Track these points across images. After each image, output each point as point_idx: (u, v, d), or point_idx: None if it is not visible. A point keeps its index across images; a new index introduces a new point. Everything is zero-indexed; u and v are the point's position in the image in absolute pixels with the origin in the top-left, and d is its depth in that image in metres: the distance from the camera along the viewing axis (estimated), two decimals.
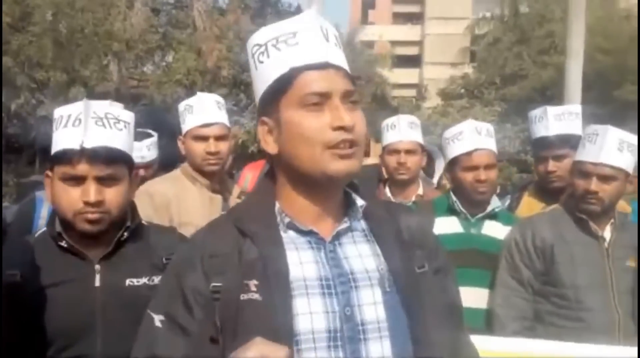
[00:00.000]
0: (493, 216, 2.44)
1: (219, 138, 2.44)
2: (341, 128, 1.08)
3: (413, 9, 35.60)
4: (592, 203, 2.17)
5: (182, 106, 2.56)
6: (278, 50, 1.13)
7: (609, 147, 2.11)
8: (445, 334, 1.14)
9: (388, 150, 2.86)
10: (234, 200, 2.50)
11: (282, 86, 1.12)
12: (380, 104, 22.81)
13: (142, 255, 1.60)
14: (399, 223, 1.20)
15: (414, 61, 33.87)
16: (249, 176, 3.09)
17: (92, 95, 11.33)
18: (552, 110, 2.65)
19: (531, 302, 2.25)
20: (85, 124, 1.50)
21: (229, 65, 15.02)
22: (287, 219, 1.14)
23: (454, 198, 2.45)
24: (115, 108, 1.61)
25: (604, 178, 2.14)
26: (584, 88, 10.51)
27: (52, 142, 1.56)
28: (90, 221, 1.52)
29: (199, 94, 2.64)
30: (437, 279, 1.19)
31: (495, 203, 2.44)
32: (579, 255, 2.18)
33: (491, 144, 2.42)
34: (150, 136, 3.18)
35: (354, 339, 1.07)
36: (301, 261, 1.10)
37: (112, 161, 1.52)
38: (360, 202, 1.18)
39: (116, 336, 1.46)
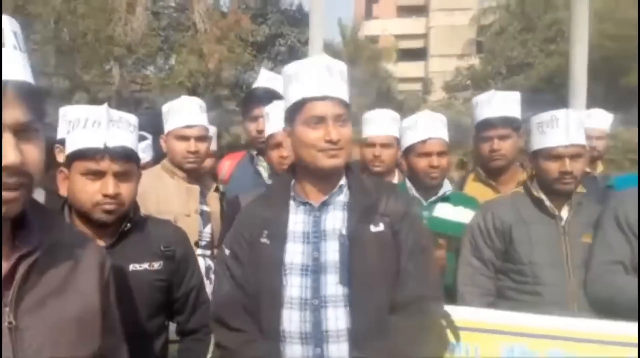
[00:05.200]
0: (445, 199, 2.63)
1: (199, 139, 2.67)
2: (329, 141, 1.67)
3: (417, 1, 35.35)
4: (568, 182, 2.32)
5: (166, 107, 2.75)
6: (298, 82, 1.70)
7: (575, 128, 2.31)
8: (375, 277, 1.66)
9: (365, 143, 3.00)
10: (211, 194, 2.76)
11: (297, 108, 1.70)
12: (385, 99, 22.72)
13: (143, 244, 1.83)
14: (376, 195, 1.74)
15: (419, 54, 33.68)
16: (227, 164, 3.24)
17: (95, 100, 11.36)
18: (499, 94, 2.86)
19: (493, 279, 2.41)
20: (107, 126, 1.73)
21: (230, 66, 15.01)
22: (292, 193, 1.78)
23: (409, 184, 2.64)
24: (124, 113, 1.84)
25: (575, 157, 2.31)
26: (590, 75, 10.33)
27: (68, 141, 1.77)
28: (107, 211, 1.73)
29: (182, 97, 2.82)
30: (395, 241, 1.70)
31: (446, 187, 2.63)
32: (536, 234, 2.33)
33: (443, 133, 2.61)
34: (144, 138, 3.37)
35: (317, 272, 1.68)
36: (296, 221, 1.74)
37: (129, 159, 1.76)
38: (342, 181, 1.76)
39: (121, 315, 1.55)
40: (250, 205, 1.88)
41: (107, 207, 1.72)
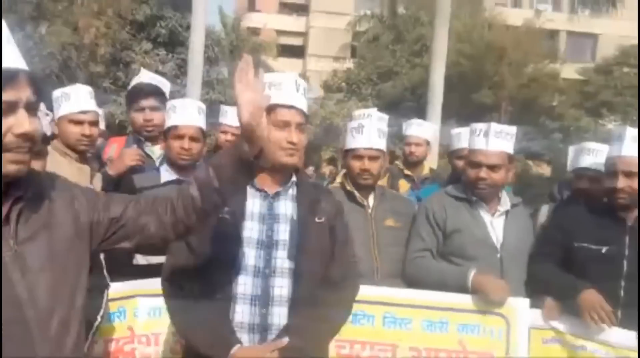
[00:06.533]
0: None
1: (92, 123, 3.00)
2: (290, 142, 2.02)
3: (299, 0, 36.19)
4: (366, 178, 2.87)
5: (57, 92, 3.00)
6: (271, 90, 1.95)
7: (376, 135, 2.89)
8: (317, 256, 2.06)
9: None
10: (97, 175, 3.04)
11: (268, 111, 1.89)
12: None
13: None
14: (317, 193, 2.18)
15: (298, 52, 34.47)
16: (114, 146, 3.51)
17: None
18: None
19: None
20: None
21: (106, 42, 14.57)
22: (253, 182, 2.05)
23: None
24: None
25: (373, 158, 2.87)
26: (446, 90, 11.46)
27: None
28: None
29: (77, 84, 3.13)
30: (331, 230, 2.11)
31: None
32: (350, 220, 2.62)
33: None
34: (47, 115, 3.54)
35: (269, 247, 2.03)
36: (254, 204, 2.07)
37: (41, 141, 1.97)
38: (293, 179, 2.13)
39: None
40: None
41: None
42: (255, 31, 28.17)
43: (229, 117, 4.08)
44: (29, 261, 1.33)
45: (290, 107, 2.05)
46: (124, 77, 14.41)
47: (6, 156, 1.29)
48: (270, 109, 2.01)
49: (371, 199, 2.91)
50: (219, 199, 1.56)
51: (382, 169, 2.96)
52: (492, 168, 2.75)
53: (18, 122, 1.28)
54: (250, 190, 2.09)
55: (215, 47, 17.48)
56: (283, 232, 2.06)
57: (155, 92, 3.37)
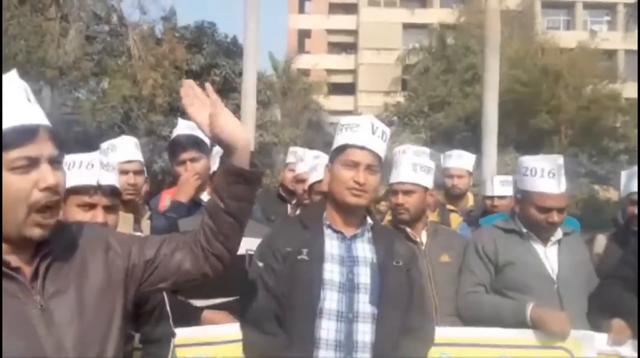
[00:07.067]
0: None
1: (137, 173, 3.08)
2: (357, 183, 2.02)
3: (347, 39, 36.78)
4: (401, 213, 2.80)
5: (105, 144, 3.11)
6: (346, 131, 2.09)
7: (409, 168, 2.83)
8: (398, 302, 2.04)
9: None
10: (145, 221, 3.09)
11: (339, 151, 2.07)
12: (316, 131, 23.40)
13: None
14: (391, 236, 2.21)
15: (349, 89, 34.88)
16: (168, 198, 3.54)
17: None
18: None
19: None
20: (99, 168, 2.12)
21: (164, 93, 15.16)
22: (327, 222, 2.10)
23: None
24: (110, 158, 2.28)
25: (408, 193, 2.79)
26: (502, 116, 11.21)
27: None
28: None
29: (122, 136, 3.25)
30: (408, 274, 2.10)
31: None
32: None
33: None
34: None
35: (351, 290, 2.00)
36: (332, 245, 2.06)
37: (115, 195, 2.15)
38: (369, 221, 2.13)
39: None
40: (282, 226, 2.30)
41: None
42: (305, 72, 28.77)
43: (294, 157, 4.32)
44: (57, 316, 1.32)
45: (362, 148, 2.05)
46: None
47: (33, 217, 1.29)
48: (342, 149, 2.08)
49: (423, 236, 2.84)
50: (230, 219, 1.50)
51: (421, 204, 2.86)
52: (561, 210, 2.63)
53: (42, 177, 1.29)
54: (327, 231, 2.08)
55: (267, 90, 17.92)
56: (364, 275, 2.02)
57: (193, 143, 3.33)
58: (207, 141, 3.54)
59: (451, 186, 4.40)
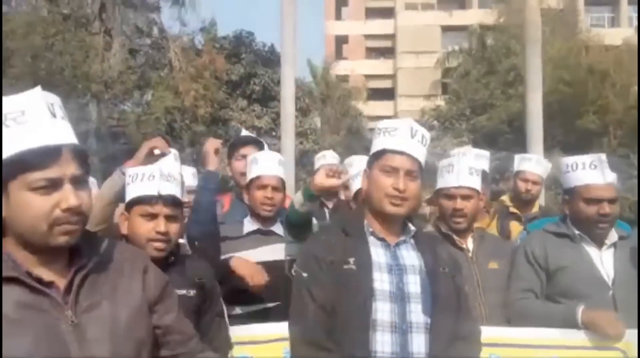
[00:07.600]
0: None
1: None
2: (397, 189, 1.93)
3: (385, 43, 36.61)
4: (459, 220, 2.69)
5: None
6: (384, 135, 2.00)
7: (466, 172, 2.72)
8: (449, 310, 1.97)
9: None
10: None
11: (378, 156, 1.99)
12: (355, 137, 23.33)
13: (182, 275, 2.20)
14: (434, 242, 2.14)
15: (388, 94, 34.68)
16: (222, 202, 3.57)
17: None
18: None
19: None
20: (159, 179, 2.20)
21: (205, 103, 15.41)
22: (370, 229, 2.01)
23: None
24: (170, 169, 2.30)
25: (466, 198, 2.69)
26: (547, 118, 10.90)
27: (128, 191, 2.22)
28: (158, 249, 2.16)
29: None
30: (453, 280, 2.04)
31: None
32: None
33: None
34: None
35: (403, 300, 1.91)
36: (377, 253, 1.97)
37: (176, 205, 2.21)
38: (412, 228, 2.05)
39: None
40: (322, 233, 2.20)
41: (158, 245, 2.14)
42: (344, 78, 28.78)
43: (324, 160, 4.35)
44: (89, 333, 1.31)
45: (401, 153, 1.96)
46: (224, 134, 15.11)
47: (55, 229, 1.29)
48: (380, 154, 1.99)
49: (470, 242, 2.76)
50: None
51: (478, 209, 2.78)
52: (612, 201, 2.54)
53: (64, 198, 1.28)
54: (370, 239, 2.00)
55: (306, 98, 17.98)
56: (413, 284, 1.95)
57: (254, 142, 3.49)
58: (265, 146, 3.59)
59: (524, 190, 4.23)
